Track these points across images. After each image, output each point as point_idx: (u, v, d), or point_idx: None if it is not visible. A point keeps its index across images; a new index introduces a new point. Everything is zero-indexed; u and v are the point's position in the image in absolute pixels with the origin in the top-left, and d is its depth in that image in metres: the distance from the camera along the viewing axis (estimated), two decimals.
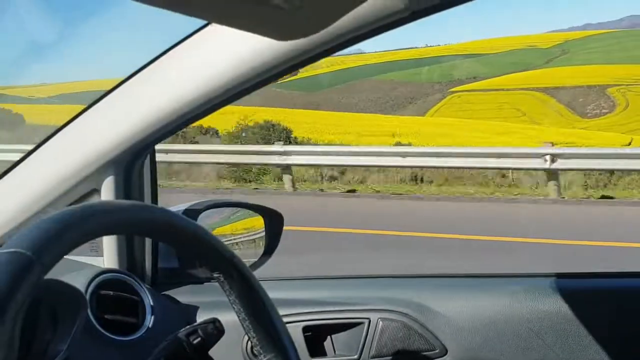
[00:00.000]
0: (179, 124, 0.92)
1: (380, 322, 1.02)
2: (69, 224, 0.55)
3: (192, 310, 1.04)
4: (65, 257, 1.01)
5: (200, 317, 1.02)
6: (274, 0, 0.35)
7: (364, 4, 0.42)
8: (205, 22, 0.82)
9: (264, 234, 1.20)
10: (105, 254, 1.02)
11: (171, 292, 1.06)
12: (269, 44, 0.77)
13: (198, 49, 0.86)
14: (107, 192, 0.98)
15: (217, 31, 0.82)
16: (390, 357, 1.02)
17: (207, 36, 0.85)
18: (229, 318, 0.79)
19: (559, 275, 1.05)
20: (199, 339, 0.76)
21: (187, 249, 0.67)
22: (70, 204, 0.96)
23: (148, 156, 1.02)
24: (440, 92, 37.57)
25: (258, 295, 0.69)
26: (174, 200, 1.21)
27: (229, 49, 0.82)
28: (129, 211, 0.61)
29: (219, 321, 0.79)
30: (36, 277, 0.50)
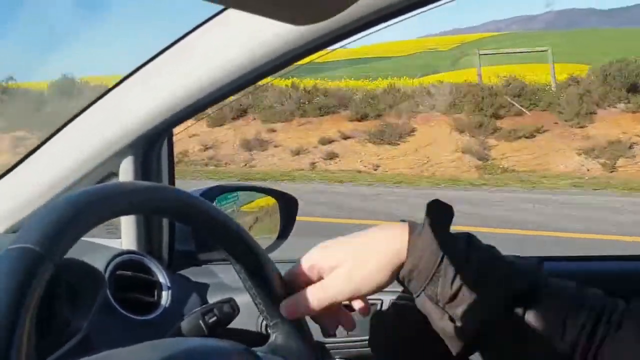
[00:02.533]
0: (196, 108, 0.93)
1: (396, 303, 1.02)
2: (76, 211, 0.54)
3: (203, 288, 1.06)
4: (83, 239, 1.03)
5: (210, 296, 1.04)
6: None
7: None
8: (220, 7, 0.83)
9: (278, 217, 1.22)
10: (123, 236, 1.04)
11: (185, 272, 1.08)
12: (284, 29, 0.77)
13: (213, 35, 0.87)
14: (124, 175, 1.00)
15: (232, 16, 0.83)
16: (402, 338, 1.03)
17: (222, 22, 0.86)
18: (241, 299, 0.81)
19: (575, 259, 1.04)
20: (215, 318, 0.78)
21: (190, 222, 0.68)
22: None
23: (166, 139, 1.04)
24: None
25: (263, 264, 0.71)
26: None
27: (243, 34, 0.83)
28: (127, 193, 0.60)
29: (234, 301, 0.80)
30: (47, 274, 0.50)
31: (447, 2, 0.78)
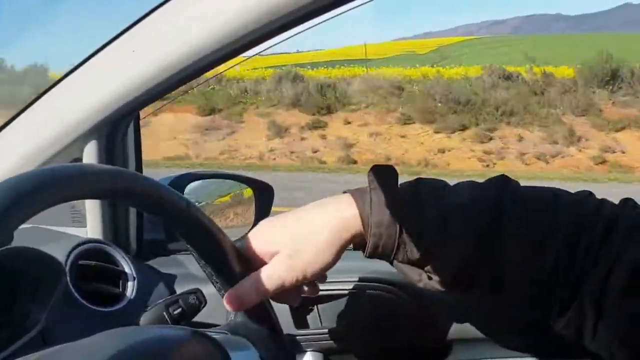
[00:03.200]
0: (164, 89, 0.88)
1: (369, 293, 0.99)
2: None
3: (171, 279, 1.02)
4: (47, 227, 0.98)
5: (178, 287, 1.00)
6: None
7: None
8: None
9: (253, 206, 1.18)
10: (89, 224, 1.00)
11: (153, 263, 1.04)
12: (249, 6, 0.73)
13: (179, 12, 0.83)
14: (89, 160, 0.95)
15: None
16: (378, 328, 1.01)
17: None
18: (209, 290, 0.77)
19: None
20: (179, 309, 0.75)
21: (132, 202, 0.64)
22: None
23: (132, 122, 0.99)
24: None
25: (216, 241, 0.67)
26: None
27: (209, 11, 0.78)
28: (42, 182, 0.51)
29: (200, 292, 0.77)
30: None
31: None
